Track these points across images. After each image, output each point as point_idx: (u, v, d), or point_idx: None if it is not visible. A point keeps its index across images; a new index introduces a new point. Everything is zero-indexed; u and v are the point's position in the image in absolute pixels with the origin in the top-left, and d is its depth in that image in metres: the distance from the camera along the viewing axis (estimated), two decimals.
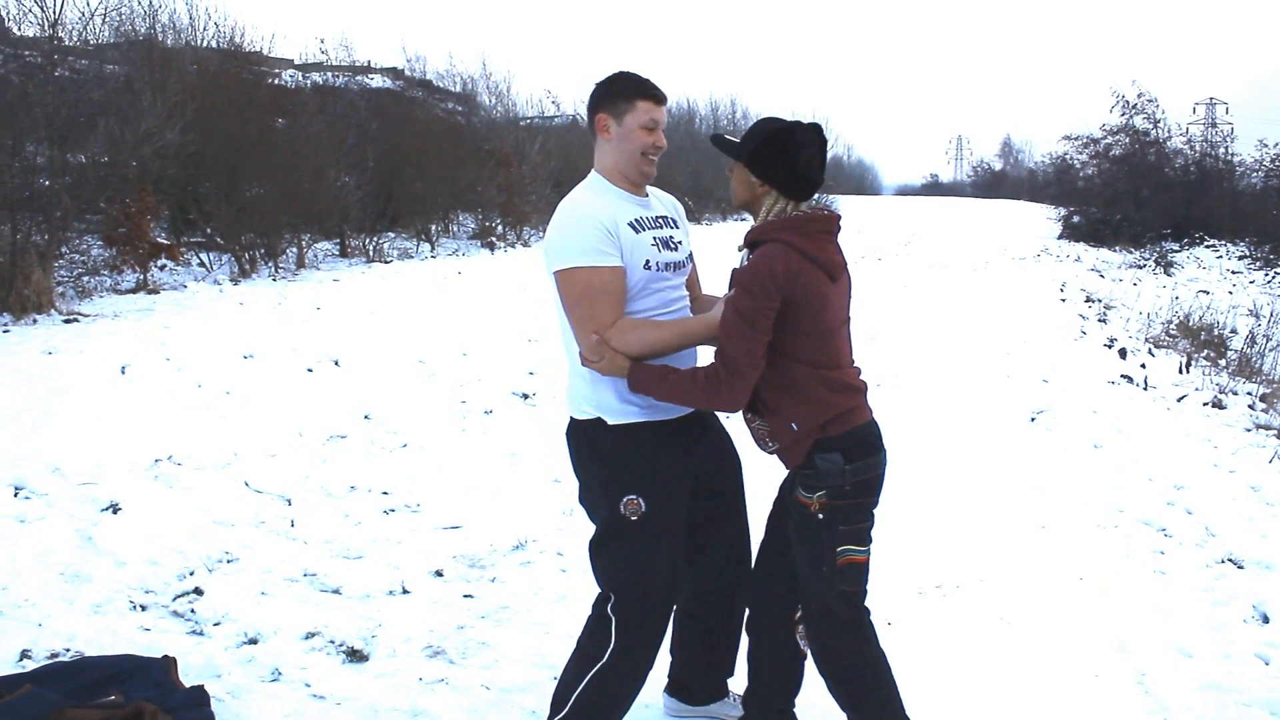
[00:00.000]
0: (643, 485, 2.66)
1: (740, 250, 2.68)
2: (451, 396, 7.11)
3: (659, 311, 2.70)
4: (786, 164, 2.55)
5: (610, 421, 2.67)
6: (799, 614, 2.76)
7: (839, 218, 2.63)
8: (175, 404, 6.37)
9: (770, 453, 2.67)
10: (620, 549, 2.70)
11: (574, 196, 2.72)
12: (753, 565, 2.91)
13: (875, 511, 2.64)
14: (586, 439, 2.74)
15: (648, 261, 2.66)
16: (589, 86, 2.77)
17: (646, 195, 2.80)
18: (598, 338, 2.58)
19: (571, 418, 2.80)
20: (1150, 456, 6.04)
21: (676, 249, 2.77)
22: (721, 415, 2.97)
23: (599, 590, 2.78)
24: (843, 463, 2.52)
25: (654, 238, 2.71)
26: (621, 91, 2.71)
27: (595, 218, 2.60)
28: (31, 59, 10.77)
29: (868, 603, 2.68)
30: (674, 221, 2.84)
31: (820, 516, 2.54)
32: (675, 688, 3.11)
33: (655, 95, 2.71)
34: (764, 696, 2.90)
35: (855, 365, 2.70)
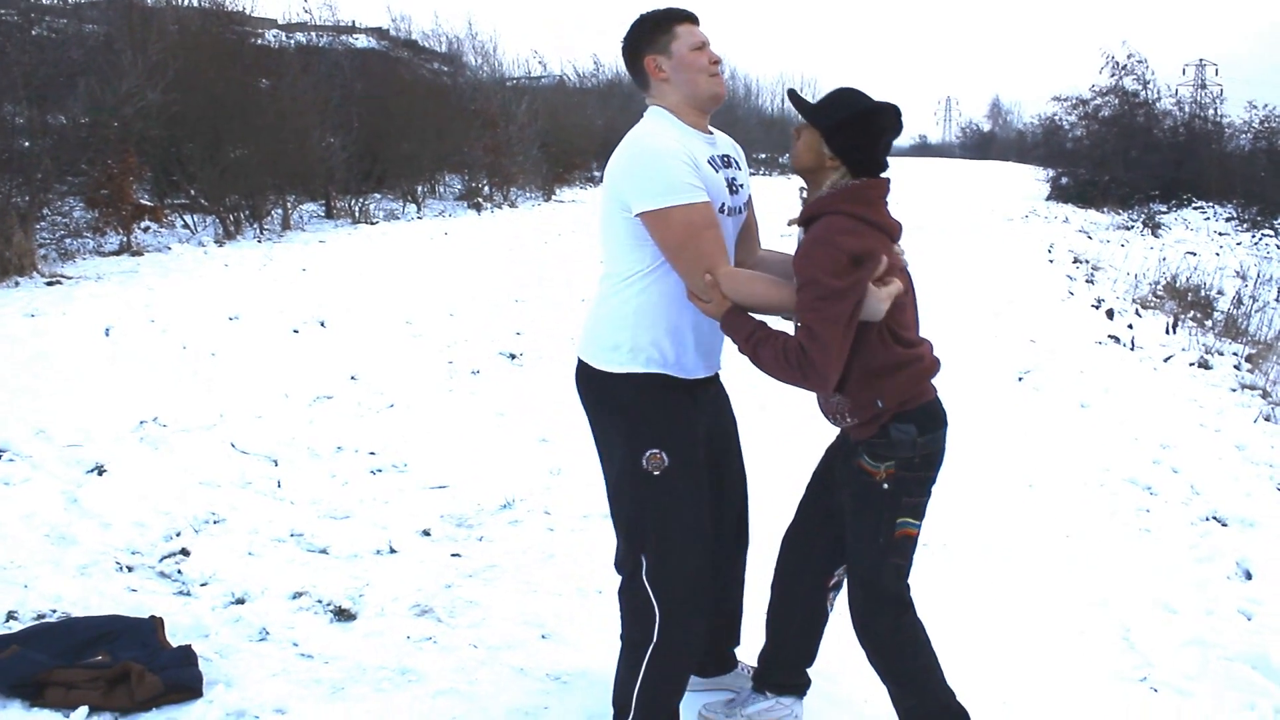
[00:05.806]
0: (665, 438, 2.52)
1: (792, 225, 2.57)
2: (439, 357, 7.09)
3: None
4: (867, 146, 2.45)
5: (632, 371, 2.53)
6: (834, 580, 2.76)
7: (890, 182, 2.53)
8: (160, 366, 6.33)
9: (843, 426, 2.59)
10: (644, 506, 2.55)
11: (647, 130, 2.54)
12: (789, 528, 2.86)
13: (933, 488, 2.59)
14: (605, 388, 2.59)
15: (723, 205, 2.54)
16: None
17: (712, 134, 2.65)
18: (711, 278, 2.44)
19: (585, 364, 2.63)
20: (1136, 416, 6.07)
21: (738, 192, 2.64)
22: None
23: (624, 564, 2.62)
24: (916, 434, 2.48)
25: (726, 178, 2.58)
26: (657, 26, 2.60)
27: (677, 153, 2.45)
28: (8, 18, 10.59)
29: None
30: (737, 163, 2.69)
31: (885, 487, 2.50)
32: None
33: (689, 16, 2.62)
34: (787, 658, 2.90)
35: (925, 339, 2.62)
